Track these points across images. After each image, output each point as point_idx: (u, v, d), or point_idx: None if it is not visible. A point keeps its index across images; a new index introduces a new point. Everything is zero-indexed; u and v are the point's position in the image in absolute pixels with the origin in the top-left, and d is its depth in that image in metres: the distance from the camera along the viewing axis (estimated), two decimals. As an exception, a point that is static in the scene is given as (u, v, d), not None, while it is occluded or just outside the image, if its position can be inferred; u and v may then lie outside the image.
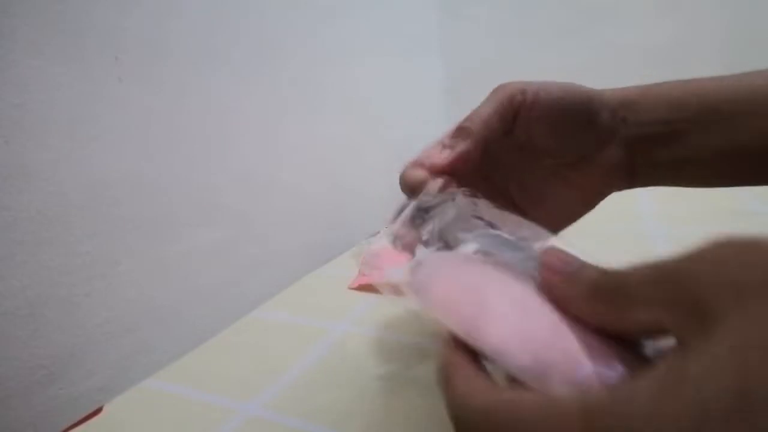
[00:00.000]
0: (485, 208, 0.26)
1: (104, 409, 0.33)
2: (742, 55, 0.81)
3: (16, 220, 0.39)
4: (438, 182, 0.27)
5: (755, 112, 0.27)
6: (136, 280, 0.48)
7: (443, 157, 0.27)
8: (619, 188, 0.30)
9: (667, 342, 0.16)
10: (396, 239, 0.27)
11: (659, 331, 0.16)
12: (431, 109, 1.05)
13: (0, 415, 0.38)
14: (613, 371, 0.17)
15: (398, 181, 0.28)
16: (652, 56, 0.87)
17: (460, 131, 0.27)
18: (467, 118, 0.28)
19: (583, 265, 0.19)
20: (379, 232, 0.29)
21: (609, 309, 0.17)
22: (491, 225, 0.25)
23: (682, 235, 0.50)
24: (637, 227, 0.54)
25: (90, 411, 0.33)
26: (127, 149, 0.47)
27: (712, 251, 0.15)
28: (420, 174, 0.27)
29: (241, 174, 0.59)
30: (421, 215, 0.27)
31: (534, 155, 0.29)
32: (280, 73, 0.63)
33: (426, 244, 0.26)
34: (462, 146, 0.27)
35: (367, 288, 0.46)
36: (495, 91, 0.28)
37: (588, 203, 0.30)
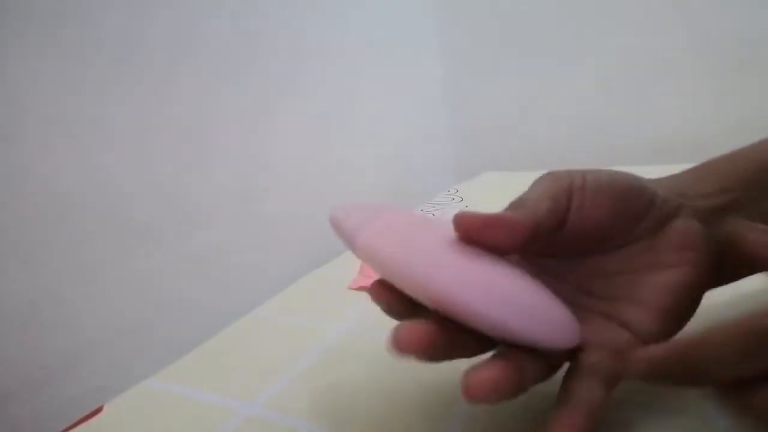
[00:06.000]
0: None
1: (104, 409, 0.33)
2: (748, 59, 0.81)
3: (15, 220, 0.39)
4: None
5: None
6: (137, 280, 0.48)
7: (512, 216, 0.22)
8: (715, 264, 0.25)
9: None
10: None
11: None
12: (430, 112, 1.05)
13: (0, 415, 0.38)
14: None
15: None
16: (653, 60, 0.87)
17: (513, 208, 0.24)
18: (518, 204, 0.24)
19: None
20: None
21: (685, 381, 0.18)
22: None
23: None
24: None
25: (90, 411, 0.33)
26: (127, 150, 0.47)
27: None
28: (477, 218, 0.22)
29: (240, 174, 0.59)
30: None
31: (594, 254, 0.26)
32: (276, 75, 0.63)
33: None
34: (525, 214, 0.23)
35: (368, 288, 0.46)
36: (541, 180, 0.25)
37: (690, 286, 0.24)
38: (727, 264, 0.26)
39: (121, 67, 0.46)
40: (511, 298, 0.20)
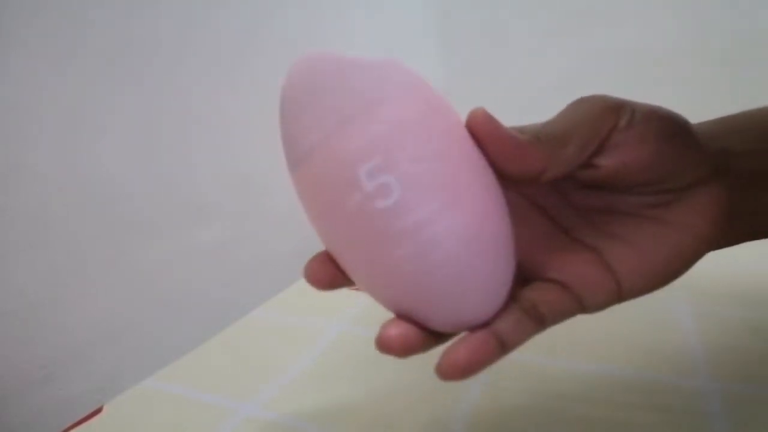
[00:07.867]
0: None
1: (104, 409, 0.33)
2: (744, 57, 0.81)
3: (14, 220, 0.39)
4: None
5: None
6: (136, 279, 0.48)
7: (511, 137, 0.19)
8: (719, 238, 0.23)
9: None
10: None
11: None
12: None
13: (0, 415, 0.38)
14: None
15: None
16: (652, 58, 0.87)
17: (538, 135, 0.20)
18: (543, 132, 0.20)
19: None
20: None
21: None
22: None
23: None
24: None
25: (90, 411, 0.33)
26: (125, 149, 0.47)
27: None
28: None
29: (240, 173, 0.59)
30: None
31: (613, 191, 0.23)
32: (274, 71, 0.63)
33: None
34: (542, 148, 0.20)
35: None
36: (577, 105, 0.22)
37: (685, 254, 0.23)
38: (760, 233, 0.24)
39: (121, 59, 0.46)
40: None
